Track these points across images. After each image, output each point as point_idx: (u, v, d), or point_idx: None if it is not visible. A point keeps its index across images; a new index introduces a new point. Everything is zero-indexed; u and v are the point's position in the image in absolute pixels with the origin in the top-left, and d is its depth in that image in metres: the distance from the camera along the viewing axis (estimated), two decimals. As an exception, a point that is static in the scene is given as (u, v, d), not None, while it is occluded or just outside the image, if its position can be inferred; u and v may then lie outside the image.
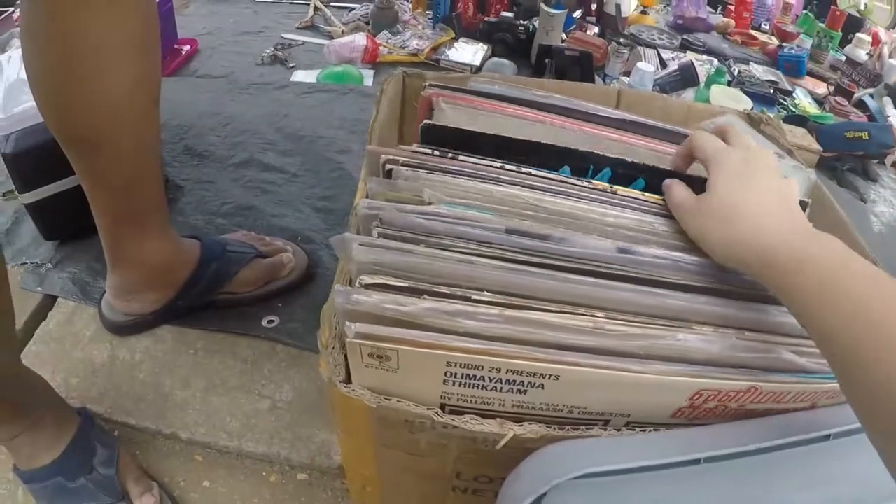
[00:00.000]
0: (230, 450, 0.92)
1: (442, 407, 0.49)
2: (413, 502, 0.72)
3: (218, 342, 1.05)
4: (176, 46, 1.99)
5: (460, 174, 0.54)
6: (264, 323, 1.07)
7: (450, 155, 0.56)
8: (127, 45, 0.70)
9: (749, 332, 0.48)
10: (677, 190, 0.55)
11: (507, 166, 0.55)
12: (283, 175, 1.42)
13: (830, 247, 0.44)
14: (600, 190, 0.56)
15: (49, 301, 1.11)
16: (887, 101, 2.19)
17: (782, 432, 0.47)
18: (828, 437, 0.48)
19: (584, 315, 0.46)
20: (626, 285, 0.48)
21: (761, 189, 0.51)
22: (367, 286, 0.45)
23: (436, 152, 0.56)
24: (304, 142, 1.54)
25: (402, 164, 0.54)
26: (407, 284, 0.45)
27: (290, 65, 1.97)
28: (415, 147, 0.56)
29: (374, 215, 0.50)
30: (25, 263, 1.16)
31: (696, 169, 0.59)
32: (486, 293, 0.46)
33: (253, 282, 1.08)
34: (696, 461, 0.45)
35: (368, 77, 1.91)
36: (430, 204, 0.51)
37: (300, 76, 1.91)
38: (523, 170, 0.55)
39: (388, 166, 0.55)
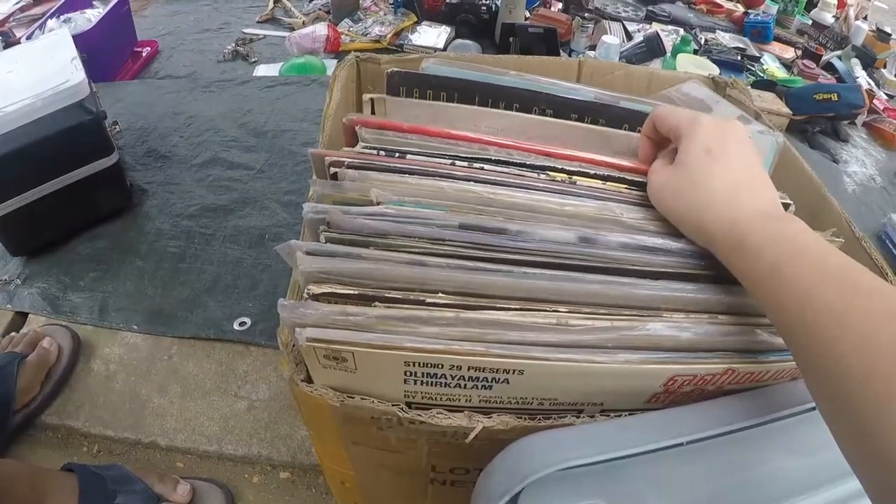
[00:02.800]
0: (210, 454, 0.92)
1: (408, 403, 0.48)
2: (393, 495, 0.71)
3: (191, 346, 1.04)
4: (136, 49, 1.97)
5: (409, 172, 0.51)
6: (236, 326, 1.06)
7: (397, 154, 0.53)
8: None
9: (722, 316, 0.47)
10: (649, 151, 0.54)
11: (459, 162, 0.53)
12: (248, 172, 1.41)
13: (789, 232, 0.42)
14: (558, 181, 0.53)
15: (20, 318, 1.10)
16: (855, 62, 2.19)
17: (766, 407, 0.46)
18: (813, 407, 0.45)
19: (546, 311, 0.44)
20: (590, 276, 0.46)
21: (734, 162, 0.48)
22: (316, 296, 0.43)
23: (381, 152, 0.53)
24: (268, 136, 1.53)
25: (348, 167, 0.51)
26: (357, 292, 0.43)
27: (252, 60, 1.95)
28: (360, 148, 0.54)
29: (320, 219, 0.48)
30: (-7, 281, 1.13)
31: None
32: (440, 295, 0.43)
33: (35, 383, 0.96)
34: (679, 443, 0.43)
35: (331, 67, 1.87)
36: (378, 204, 0.49)
37: (262, 70, 1.89)
38: (475, 165, 0.53)
39: (333, 169, 0.52)
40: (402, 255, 0.45)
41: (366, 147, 0.54)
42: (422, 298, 0.43)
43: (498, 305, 0.43)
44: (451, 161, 0.53)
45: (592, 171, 0.54)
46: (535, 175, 0.53)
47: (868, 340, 0.33)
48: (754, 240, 0.43)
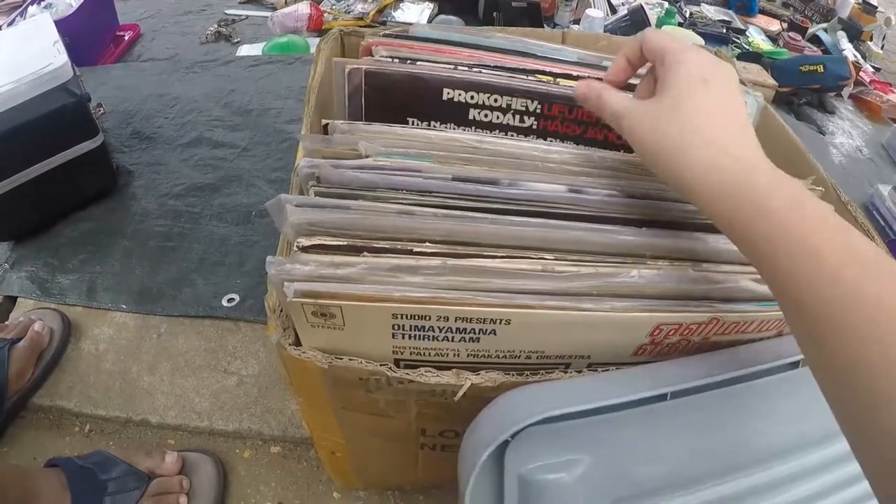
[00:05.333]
0: (201, 430, 0.91)
1: (396, 362, 0.48)
2: (383, 463, 0.72)
3: (180, 324, 1.04)
4: (118, 33, 1.96)
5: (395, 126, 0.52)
6: (224, 302, 1.06)
7: (408, 61, 0.57)
8: None
9: (706, 263, 0.47)
10: (610, 95, 0.46)
11: (460, 67, 0.57)
12: (234, 150, 1.40)
13: (797, 185, 0.37)
14: (544, 82, 0.57)
15: (9, 302, 1.09)
16: (841, 35, 2.20)
17: (749, 362, 0.46)
18: (797, 364, 0.46)
19: (531, 258, 0.44)
20: (575, 223, 0.46)
21: (729, 98, 0.42)
22: (305, 248, 0.43)
23: (396, 60, 0.57)
24: (253, 115, 1.52)
25: (367, 73, 0.55)
26: (345, 243, 0.43)
27: (235, 40, 1.93)
28: (377, 57, 0.58)
29: (312, 174, 0.48)
30: (-19, 267, 1.13)
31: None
32: (428, 244, 0.44)
33: (27, 367, 0.95)
34: (663, 397, 0.43)
35: (314, 45, 1.86)
36: (366, 157, 0.49)
37: (245, 50, 1.87)
38: (475, 69, 0.57)
39: (324, 121, 0.53)
40: (390, 206, 0.45)
41: (381, 57, 0.58)
42: (409, 248, 0.43)
43: (485, 253, 0.44)
44: (453, 66, 0.57)
45: (575, 74, 0.58)
46: (525, 77, 0.57)
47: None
48: (763, 179, 0.37)
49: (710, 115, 0.40)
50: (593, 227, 0.46)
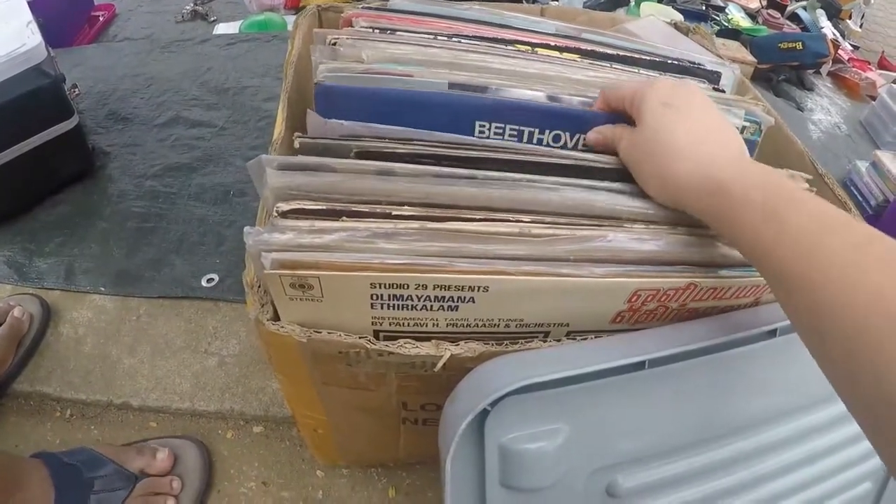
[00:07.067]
0: (183, 411, 0.91)
1: (376, 335, 0.47)
2: (366, 439, 0.71)
3: (160, 306, 1.03)
4: (93, 14, 1.94)
5: (397, 42, 0.56)
6: (204, 282, 1.05)
7: (388, 31, 0.59)
8: None
9: (682, 227, 0.47)
10: (606, 129, 0.51)
11: (440, 37, 0.59)
12: (211, 129, 1.39)
13: (776, 177, 0.41)
14: (523, 52, 0.59)
15: (-15, 288, 1.08)
16: (820, 12, 2.21)
17: (727, 330, 0.46)
18: (774, 332, 0.46)
19: (509, 220, 0.44)
20: (552, 178, 0.47)
21: (695, 113, 0.47)
22: (284, 213, 0.43)
23: (376, 30, 0.60)
24: (230, 94, 1.50)
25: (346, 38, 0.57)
26: (325, 207, 0.43)
27: (212, 19, 1.92)
28: (357, 28, 0.61)
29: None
30: (-45, 254, 1.12)
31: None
32: (406, 207, 0.44)
33: (8, 354, 0.94)
34: (641, 365, 0.43)
35: (292, 23, 1.85)
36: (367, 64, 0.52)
37: (222, 28, 1.86)
38: (453, 39, 0.59)
39: (333, 38, 0.56)
40: (370, 164, 0.45)
41: (361, 27, 0.61)
42: (388, 211, 0.43)
43: (463, 216, 0.44)
44: (433, 37, 0.59)
45: (553, 44, 0.61)
46: (504, 47, 0.59)
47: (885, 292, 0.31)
48: (738, 183, 0.41)
49: (681, 133, 0.45)
50: (571, 183, 0.47)
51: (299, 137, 0.46)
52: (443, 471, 0.43)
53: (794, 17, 2.19)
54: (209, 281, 1.05)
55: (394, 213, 0.43)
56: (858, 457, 0.57)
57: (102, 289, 1.05)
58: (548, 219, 0.45)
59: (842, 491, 0.58)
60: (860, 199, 1.44)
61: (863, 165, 1.47)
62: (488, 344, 0.46)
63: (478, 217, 0.44)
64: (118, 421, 0.92)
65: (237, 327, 0.99)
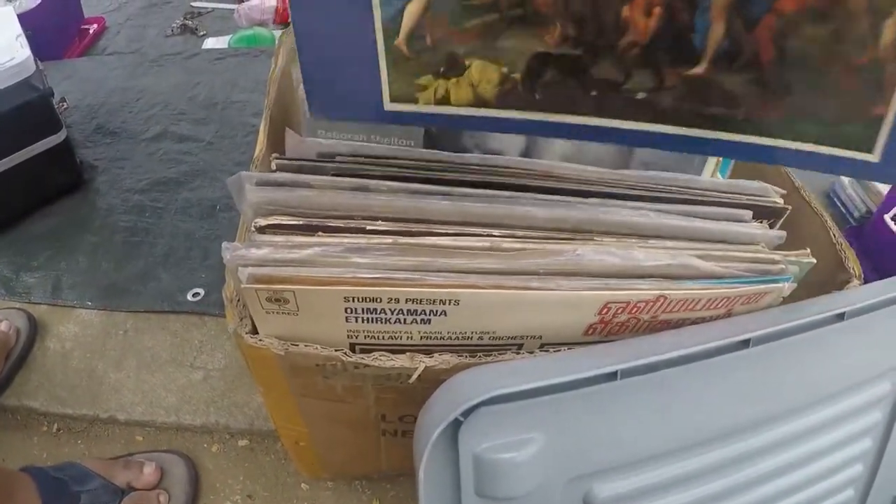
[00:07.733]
0: (169, 425, 0.91)
1: (352, 347, 0.48)
2: (347, 452, 0.72)
3: (146, 320, 1.03)
4: (83, 27, 1.94)
5: None
6: (190, 297, 1.05)
7: None
8: None
9: (652, 240, 0.48)
10: None
11: None
12: (199, 144, 1.40)
13: None
14: None
15: (-28, 303, 1.08)
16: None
17: (699, 340, 0.46)
18: (747, 342, 0.47)
19: (480, 235, 0.45)
20: (526, 195, 0.47)
21: None
22: (261, 228, 0.44)
23: None
24: (218, 108, 1.51)
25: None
26: (301, 222, 0.44)
27: (201, 33, 1.92)
28: None
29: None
30: (-58, 268, 1.12)
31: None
32: (380, 222, 0.44)
33: None
34: (614, 376, 0.44)
35: (280, 38, 1.87)
36: None
37: (211, 43, 1.87)
38: None
39: None
40: (347, 181, 0.45)
41: None
42: (363, 226, 0.44)
43: (435, 230, 0.44)
44: None
45: None
46: None
47: None
48: None
49: None
50: (542, 199, 0.47)
51: (277, 159, 0.47)
52: (417, 481, 0.44)
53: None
54: (195, 295, 1.05)
55: (368, 227, 0.44)
56: (838, 465, 0.57)
57: (89, 303, 1.05)
58: (519, 233, 0.46)
59: (823, 498, 0.58)
60: (844, 210, 1.45)
61: (846, 178, 1.47)
62: (462, 356, 0.47)
63: (450, 232, 0.44)
64: (105, 435, 0.92)
65: (222, 341, 0.99)
